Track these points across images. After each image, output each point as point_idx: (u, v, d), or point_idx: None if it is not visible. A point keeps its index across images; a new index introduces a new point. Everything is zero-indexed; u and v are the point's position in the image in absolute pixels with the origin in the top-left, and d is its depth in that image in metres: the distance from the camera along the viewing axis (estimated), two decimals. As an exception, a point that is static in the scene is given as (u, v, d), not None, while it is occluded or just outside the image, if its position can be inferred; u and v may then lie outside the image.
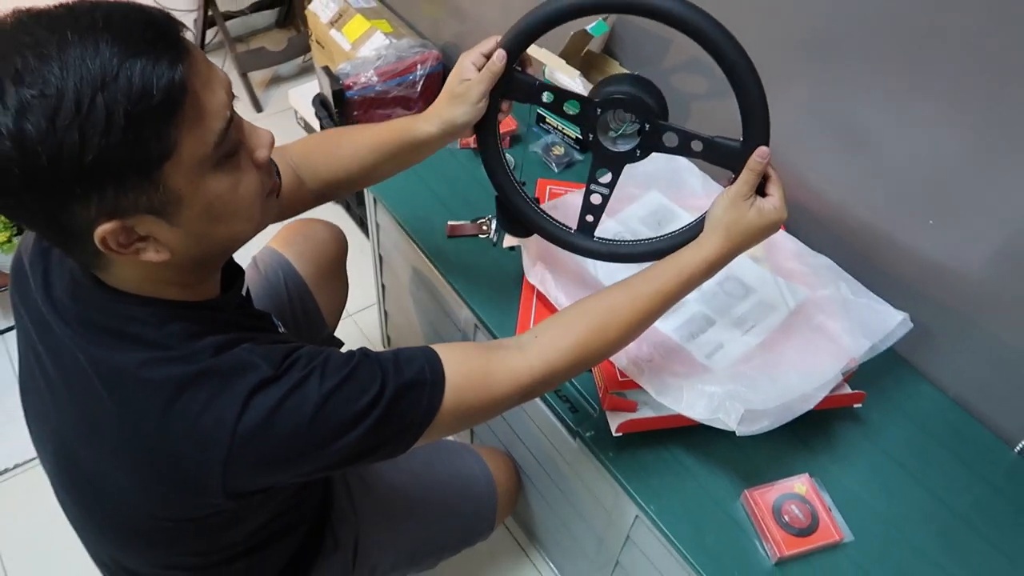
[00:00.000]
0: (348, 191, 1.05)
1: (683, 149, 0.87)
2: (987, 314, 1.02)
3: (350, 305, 1.49)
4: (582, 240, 0.98)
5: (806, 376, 0.94)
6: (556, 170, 1.37)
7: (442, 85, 0.93)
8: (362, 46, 2.04)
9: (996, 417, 1.06)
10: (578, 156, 1.40)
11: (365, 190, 1.39)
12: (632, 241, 0.96)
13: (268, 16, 2.77)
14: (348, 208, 2.17)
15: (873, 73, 1.02)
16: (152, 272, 0.68)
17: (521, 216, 1.01)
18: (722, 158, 0.86)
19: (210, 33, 2.61)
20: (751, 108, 0.82)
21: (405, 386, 0.73)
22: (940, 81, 0.95)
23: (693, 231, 0.89)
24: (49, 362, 0.74)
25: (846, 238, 1.16)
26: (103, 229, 0.60)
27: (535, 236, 1.10)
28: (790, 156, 1.19)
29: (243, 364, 0.68)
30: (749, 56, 0.81)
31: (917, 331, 1.05)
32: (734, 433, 0.88)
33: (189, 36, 0.62)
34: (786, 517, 0.93)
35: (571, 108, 0.90)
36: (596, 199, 0.95)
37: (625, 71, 1.42)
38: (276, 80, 2.60)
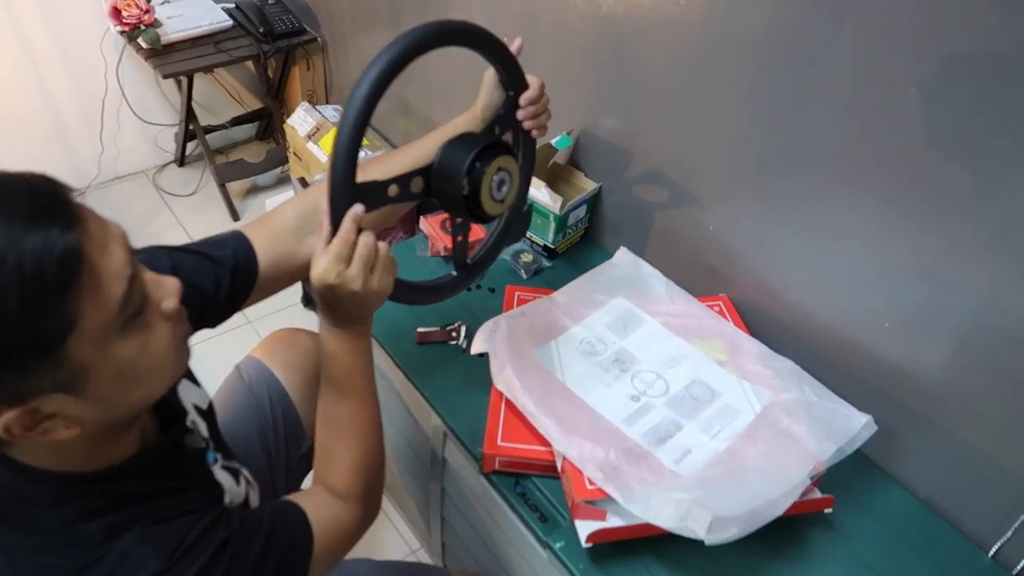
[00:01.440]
0: (294, 272, 0.98)
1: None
2: (947, 416, 1.04)
3: (320, 413, 1.47)
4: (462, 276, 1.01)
5: (774, 481, 0.94)
6: (524, 276, 1.40)
7: None
8: (338, 158, 2.10)
9: (967, 519, 1.06)
10: (546, 263, 1.43)
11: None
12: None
13: (248, 130, 2.85)
14: (321, 314, 2.18)
15: (820, 182, 1.07)
16: (59, 445, 0.62)
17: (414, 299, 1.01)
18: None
19: (190, 145, 2.67)
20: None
21: (285, 553, 0.77)
22: (883, 188, 1.00)
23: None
24: None
25: (807, 340, 1.19)
26: (6, 418, 0.56)
27: (502, 340, 1.11)
28: (747, 259, 1.23)
29: (129, 561, 0.64)
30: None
31: (883, 433, 1.06)
32: (706, 544, 0.87)
33: (77, 198, 0.59)
34: (762, 630, 0.91)
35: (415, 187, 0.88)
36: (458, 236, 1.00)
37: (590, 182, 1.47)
38: (254, 190, 2.65)
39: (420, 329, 1.28)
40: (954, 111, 0.89)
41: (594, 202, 1.48)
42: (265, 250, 0.93)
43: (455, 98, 1.82)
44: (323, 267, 0.78)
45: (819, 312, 1.16)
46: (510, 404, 1.10)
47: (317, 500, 0.87)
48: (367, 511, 0.91)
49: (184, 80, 2.27)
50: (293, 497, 0.85)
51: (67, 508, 0.64)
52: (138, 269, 0.62)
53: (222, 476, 0.87)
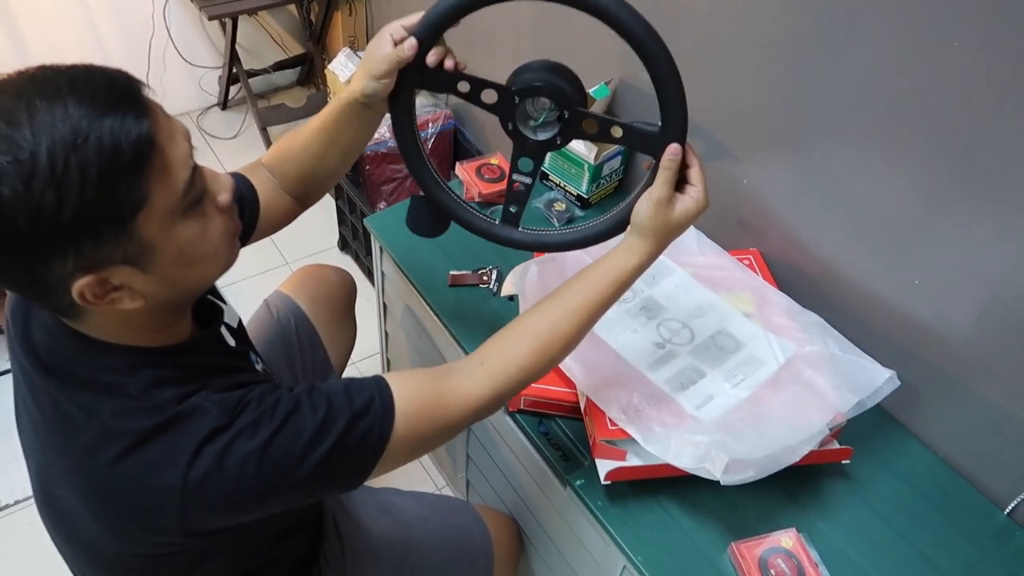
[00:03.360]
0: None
1: (603, 136, 0.87)
2: (973, 375, 1.04)
3: (354, 353, 1.52)
4: (507, 231, 0.97)
5: (793, 429, 0.96)
6: (558, 225, 1.42)
7: (452, 143, 0.97)
8: (377, 104, 2.12)
9: (985, 478, 1.07)
10: (579, 212, 1.45)
11: (372, 238, 1.44)
12: (558, 229, 0.96)
13: (290, 75, 2.87)
14: (357, 258, 2.22)
15: (857, 138, 1.06)
16: (125, 319, 0.70)
17: (441, 205, 0.98)
18: (641, 144, 0.85)
19: (233, 89, 2.71)
20: (667, 99, 0.81)
21: (355, 416, 0.75)
22: (919, 148, 0.99)
23: (618, 220, 0.89)
24: (32, 405, 0.77)
25: (835, 296, 1.19)
26: (80, 283, 0.62)
27: (532, 285, 1.13)
28: (780, 214, 1.23)
29: (198, 414, 0.70)
30: (666, 45, 0.80)
31: (906, 390, 1.06)
32: (721, 484, 0.89)
33: (149, 94, 0.64)
34: (772, 571, 0.94)
35: (489, 97, 0.89)
36: (519, 187, 0.94)
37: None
38: (294, 135, 2.69)
39: (453, 272, 1.31)
40: (996, 69, 0.87)
41: (629, 153, 1.49)
42: (283, 177, 1.01)
43: (496, 46, 1.81)
44: (703, 201, 0.85)
45: (848, 268, 1.16)
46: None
47: (427, 374, 0.84)
48: (490, 402, 0.84)
49: (228, 22, 2.29)
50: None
51: (143, 375, 0.70)
52: (198, 164, 0.69)
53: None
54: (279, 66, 2.75)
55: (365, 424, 0.75)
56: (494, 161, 1.50)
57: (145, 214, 0.62)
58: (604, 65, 1.47)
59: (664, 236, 0.86)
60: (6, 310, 0.81)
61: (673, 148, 0.83)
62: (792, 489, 1.03)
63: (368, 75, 0.87)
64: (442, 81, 0.88)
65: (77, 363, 0.71)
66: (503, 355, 0.86)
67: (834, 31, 1.03)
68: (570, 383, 1.07)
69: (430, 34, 0.84)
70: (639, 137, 0.85)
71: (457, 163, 1.49)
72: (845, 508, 1.03)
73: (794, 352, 1.08)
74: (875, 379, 1.03)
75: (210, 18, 2.15)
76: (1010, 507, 1.04)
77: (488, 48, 1.85)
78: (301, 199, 1.04)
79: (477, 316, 1.25)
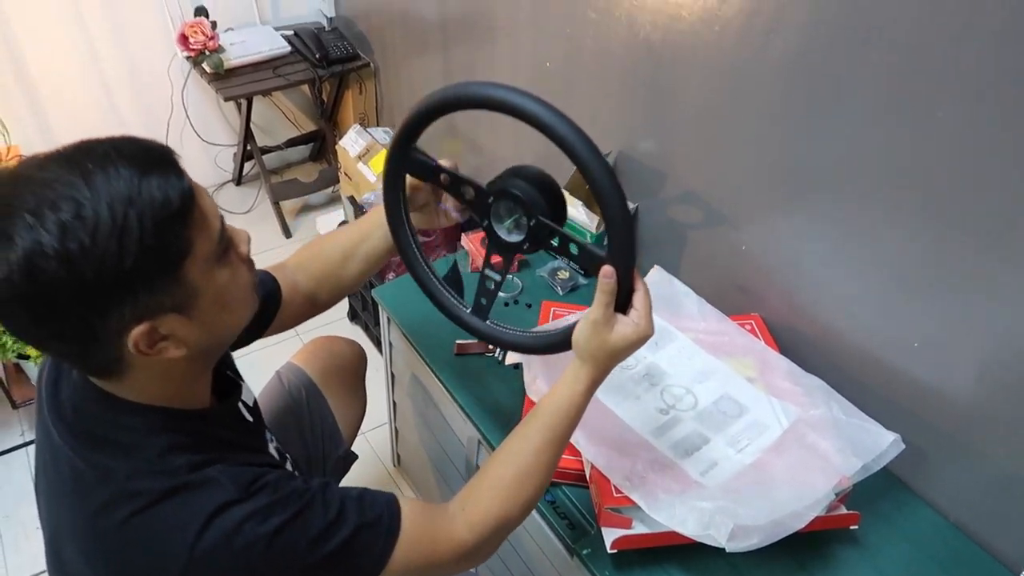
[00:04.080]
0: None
1: (563, 250, 0.88)
2: (978, 437, 1.04)
3: (363, 423, 1.53)
4: (474, 321, 0.99)
5: (798, 494, 0.96)
6: (561, 293, 1.44)
7: None
8: (386, 178, 2.18)
9: (997, 542, 1.05)
10: (583, 280, 1.47)
11: (380, 308, 1.46)
12: (520, 331, 0.96)
13: (302, 151, 2.97)
14: (366, 328, 2.25)
15: (851, 202, 1.09)
16: (163, 373, 0.74)
17: (419, 282, 1.02)
18: (591, 264, 0.85)
19: (247, 165, 2.80)
20: (610, 224, 0.80)
21: (363, 526, 0.79)
22: (913, 211, 1.02)
23: (565, 333, 0.89)
24: (51, 467, 0.80)
25: (837, 359, 1.20)
26: (136, 332, 0.67)
27: (537, 356, 1.15)
28: (779, 279, 1.26)
29: (210, 485, 0.73)
30: (612, 170, 0.80)
31: (912, 453, 1.06)
32: (728, 552, 0.89)
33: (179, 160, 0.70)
34: (783, 641, 0.92)
35: (467, 193, 0.93)
36: (489, 284, 0.96)
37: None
38: (306, 209, 2.76)
39: (459, 341, 1.33)
40: (982, 130, 0.90)
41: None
42: (308, 277, 1.09)
43: (499, 121, 1.88)
44: (643, 327, 0.83)
45: (849, 332, 1.17)
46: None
47: (427, 509, 0.87)
48: (475, 551, 0.87)
49: (244, 103, 2.38)
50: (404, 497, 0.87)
51: (161, 439, 0.74)
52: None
53: (277, 456, 0.94)
54: (292, 143, 2.84)
55: (370, 537, 0.79)
56: (499, 232, 1.53)
57: (190, 261, 0.68)
58: (603, 138, 1.51)
59: (603, 360, 0.85)
60: (39, 376, 0.85)
61: (606, 269, 0.82)
62: (801, 556, 1.02)
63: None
64: (426, 170, 0.95)
65: (100, 422, 0.75)
66: (478, 506, 0.88)
67: (822, 100, 1.07)
68: (575, 451, 1.08)
69: (413, 127, 0.91)
70: (590, 257, 0.85)
71: (463, 234, 1.53)
72: (855, 575, 1.02)
73: (797, 416, 1.09)
74: (879, 442, 1.03)
75: (226, 99, 2.24)
76: (1024, 572, 1.02)
77: (491, 124, 1.92)
78: (317, 300, 1.10)
79: (483, 384, 1.27)
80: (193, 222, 0.68)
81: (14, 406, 1.87)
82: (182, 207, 0.66)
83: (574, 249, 0.87)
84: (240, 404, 0.89)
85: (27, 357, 1.77)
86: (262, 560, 0.72)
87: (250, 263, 0.80)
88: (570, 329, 0.88)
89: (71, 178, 0.62)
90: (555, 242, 0.88)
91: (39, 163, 0.64)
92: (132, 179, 0.63)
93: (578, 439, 1.04)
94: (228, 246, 0.75)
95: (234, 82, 2.28)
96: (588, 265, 0.86)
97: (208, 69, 2.26)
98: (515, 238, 0.92)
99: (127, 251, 0.62)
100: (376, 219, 1.05)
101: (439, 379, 1.29)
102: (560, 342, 0.91)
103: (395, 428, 1.76)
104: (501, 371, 1.29)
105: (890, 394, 1.13)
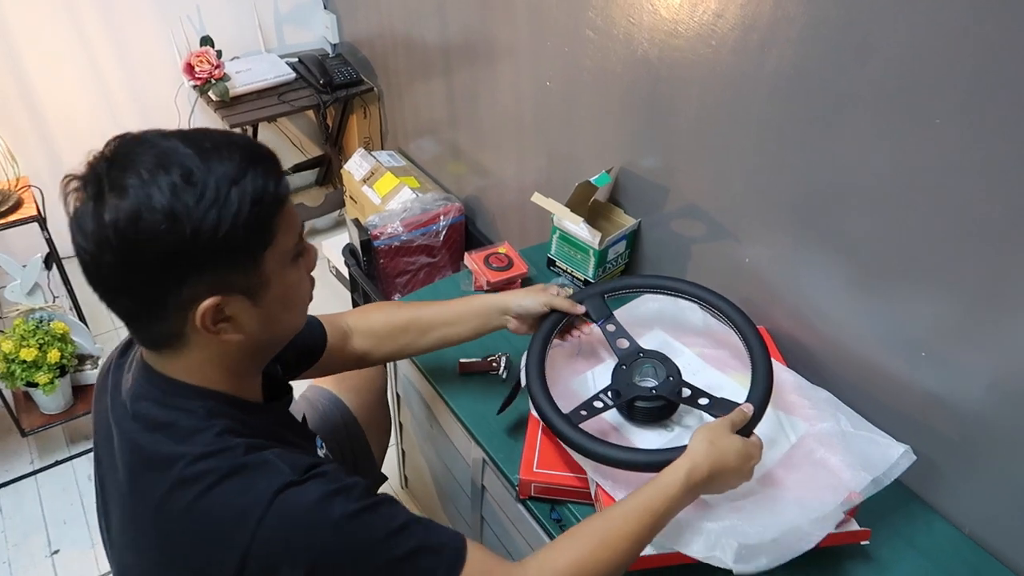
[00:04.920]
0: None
1: (691, 402, 1.05)
2: (989, 447, 1.02)
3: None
4: (566, 428, 1.01)
5: (806, 510, 0.94)
6: (565, 310, 1.44)
7: (464, 235, 1.06)
8: (391, 200, 2.20)
9: (1013, 554, 1.03)
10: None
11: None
12: (611, 444, 0.98)
13: (308, 176, 2.98)
14: (374, 351, 2.24)
15: (852, 212, 1.09)
16: (217, 355, 0.77)
17: (541, 414, 1.05)
18: (722, 411, 0.99)
19: (254, 191, 2.81)
20: (757, 378, 1.02)
21: (426, 547, 0.77)
22: (915, 220, 1.01)
23: (672, 453, 0.93)
24: (117, 461, 0.80)
25: (844, 371, 1.18)
26: (206, 304, 0.71)
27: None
28: (784, 292, 1.25)
29: (269, 466, 0.74)
30: (763, 341, 1.05)
31: (923, 464, 1.05)
32: (735, 574, 0.87)
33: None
34: (796, 660, 0.90)
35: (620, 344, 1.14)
36: (599, 405, 1.06)
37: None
38: (312, 233, 2.77)
39: (463, 360, 1.33)
40: (983, 138, 0.90)
41: (633, 237, 1.52)
42: (368, 334, 1.15)
43: (502, 141, 1.89)
44: (757, 445, 0.94)
45: (855, 342, 1.16)
46: (547, 431, 1.13)
47: (498, 557, 0.84)
48: None
49: (249, 129, 2.41)
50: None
51: (219, 422, 0.76)
52: None
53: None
54: (297, 168, 2.86)
55: (431, 562, 0.77)
56: (501, 250, 1.54)
57: (271, 250, 0.73)
58: (604, 155, 1.52)
59: (716, 452, 0.90)
60: (99, 373, 0.89)
61: (748, 405, 0.98)
62: (811, 573, 1.00)
63: (530, 299, 1.12)
64: (602, 314, 1.16)
65: (162, 406, 0.77)
66: (552, 555, 0.85)
67: (820, 113, 1.07)
68: (580, 468, 1.06)
69: (596, 307, 1.16)
70: (723, 406, 1.01)
71: (466, 253, 1.53)
72: (869, 591, 1.00)
73: (805, 431, 1.07)
74: (889, 455, 1.01)
75: (232, 127, 2.26)
76: (1043, 586, 1.00)
77: (495, 142, 1.93)
78: (369, 358, 1.15)
79: (488, 403, 1.25)
80: (281, 216, 0.73)
81: (23, 434, 1.88)
82: (276, 199, 0.72)
83: (704, 401, 1.04)
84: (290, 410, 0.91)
85: (36, 385, 1.77)
86: (320, 551, 0.72)
87: (313, 280, 0.85)
88: (682, 447, 0.93)
89: (189, 151, 0.69)
90: (686, 393, 1.05)
91: (163, 134, 0.72)
92: (240, 164, 0.70)
93: (582, 458, 1.03)
94: (302, 252, 0.79)
95: (239, 109, 2.30)
96: (720, 411, 1.00)
97: (214, 97, 2.29)
98: (647, 383, 1.08)
99: (223, 222, 0.68)
100: (476, 309, 1.14)
101: (443, 399, 1.28)
102: (670, 456, 0.93)
103: (402, 449, 1.75)
104: (505, 389, 1.28)
105: (900, 405, 1.11)
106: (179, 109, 2.50)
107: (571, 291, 1.18)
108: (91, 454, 0.89)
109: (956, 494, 1.09)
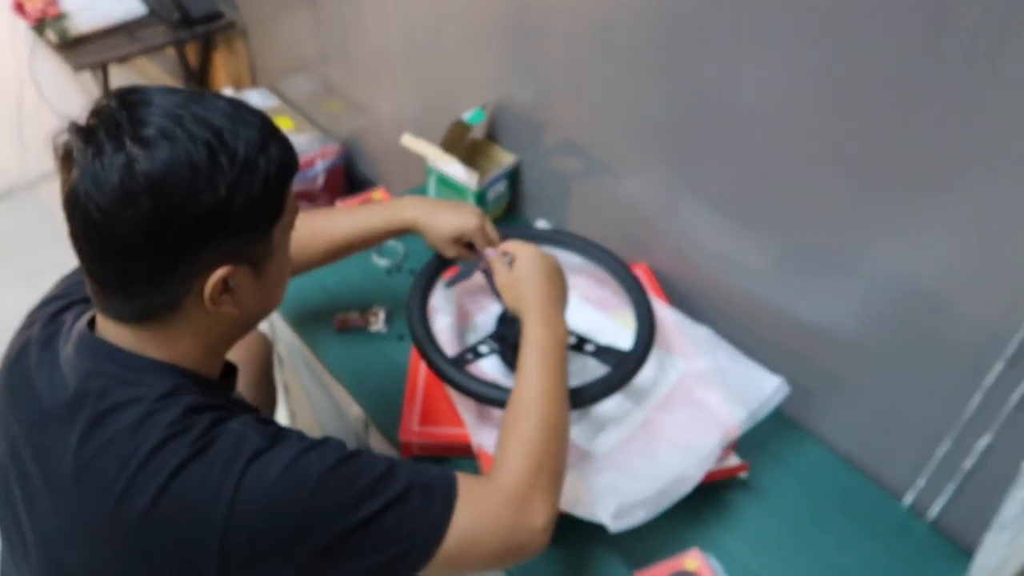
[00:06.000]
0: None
1: (578, 348, 1.05)
2: (858, 370, 1.05)
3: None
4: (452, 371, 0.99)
5: (686, 452, 0.94)
6: (446, 257, 1.38)
7: (344, 179, 1.03)
8: (264, 144, 2.05)
9: (884, 471, 1.07)
10: (468, 241, 1.42)
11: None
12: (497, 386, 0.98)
13: (177, 119, 2.78)
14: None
15: (725, 143, 1.07)
16: (201, 331, 0.73)
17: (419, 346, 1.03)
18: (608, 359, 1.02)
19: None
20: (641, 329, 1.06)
21: (416, 485, 0.73)
22: (787, 146, 0.99)
23: None
24: (36, 470, 0.73)
25: (723, 305, 1.19)
26: (219, 274, 0.68)
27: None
28: (662, 225, 1.23)
29: (235, 436, 0.69)
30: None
31: (800, 391, 1.06)
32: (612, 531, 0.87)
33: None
34: (679, 597, 0.91)
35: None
36: (484, 350, 1.05)
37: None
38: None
39: (340, 315, 1.26)
40: (855, 63, 0.88)
41: (514, 176, 1.46)
42: None
43: (375, 76, 1.78)
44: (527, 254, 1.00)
45: (731, 275, 1.16)
46: (428, 385, 1.09)
47: (477, 479, 0.80)
48: (527, 502, 0.79)
49: (99, 72, 2.19)
50: None
51: (184, 399, 0.71)
52: None
53: None
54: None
55: (424, 498, 0.73)
56: (376, 196, 1.46)
57: (280, 222, 0.73)
58: (478, 90, 1.44)
59: (535, 293, 0.96)
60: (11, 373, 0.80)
61: (488, 251, 1.06)
62: (695, 506, 1.01)
63: (445, 226, 1.08)
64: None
65: (123, 384, 0.71)
66: (509, 455, 0.82)
67: (690, 42, 1.03)
68: (460, 422, 1.03)
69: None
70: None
71: (338, 201, 1.44)
72: (748, 519, 1.02)
73: (685, 369, 1.07)
74: (764, 388, 1.02)
75: (76, 69, 2.05)
76: (909, 498, 1.04)
77: (368, 76, 1.82)
78: None
79: (367, 360, 1.20)
80: (290, 190, 0.73)
81: None
82: (291, 173, 0.72)
83: (590, 347, 1.04)
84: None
85: None
86: (306, 507, 0.68)
87: None
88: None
89: (212, 109, 0.67)
90: (571, 341, 1.03)
91: (214, 93, 0.70)
92: (263, 130, 0.69)
93: (460, 410, 1.00)
94: (293, 226, 0.78)
95: (84, 50, 2.08)
96: (606, 359, 1.03)
97: (53, 38, 2.06)
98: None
99: (254, 187, 0.67)
100: (404, 226, 1.10)
101: (319, 358, 1.22)
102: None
103: (291, 410, 1.68)
104: (383, 344, 1.23)
105: (776, 336, 1.13)
106: (17, 51, 2.25)
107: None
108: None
109: (829, 417, 1.11)
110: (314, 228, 1.08)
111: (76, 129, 0.64)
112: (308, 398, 1.47)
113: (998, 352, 0.86)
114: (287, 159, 0.71)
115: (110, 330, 0.73)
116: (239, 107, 0.69)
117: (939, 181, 0.86)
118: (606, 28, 1.13)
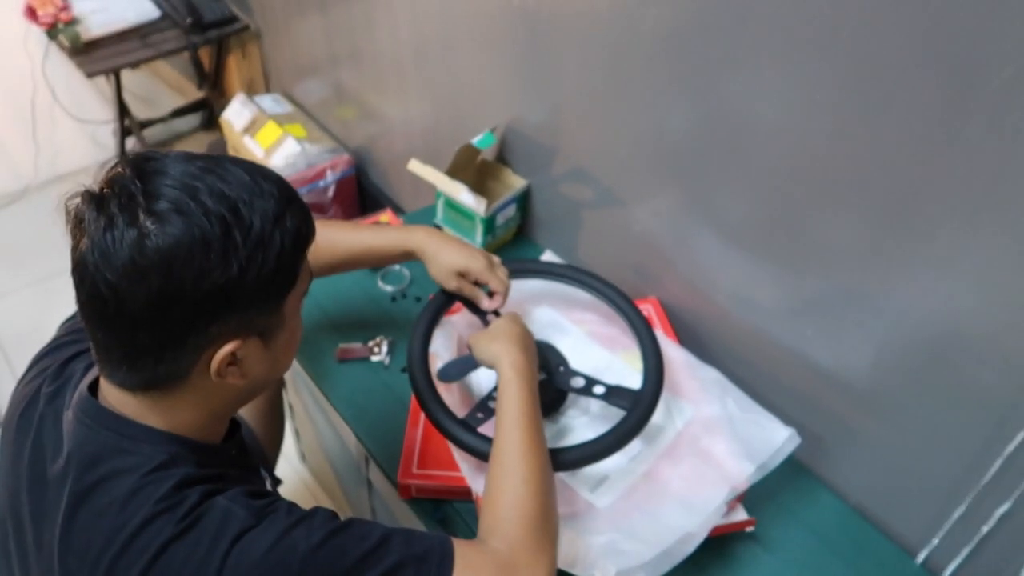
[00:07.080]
0: None
1: (586, 391, 1.01)
2: (874, 420, 1.01)
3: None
4: (464, 434, 0.94)
5: (690, 509, 0.91)
6: (452, 283, 1.35)
7: (355, 190, 0.98)
8: (275, 153, 2.04)
9: (896, 526, 1.03)
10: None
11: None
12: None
13: (191, 120, 2.76)
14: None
15: (739, 178, 1.03)
16: (205, 399, 0.72)
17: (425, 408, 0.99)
18: (618, 400, 0.98)
19: (130, 141, 2.59)
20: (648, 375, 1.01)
21: (410, 557, 0.70)
22: (803, 192, 0.95)
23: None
24: (32, 529, 0.72)
25: (735, 345, 1.15)
26: (227, 348, 0.67)
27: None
28: (674, 259, 1.19)
29: (221, 514, 0.67)
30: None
31: (812, 439, 1.03)
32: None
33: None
34: (681, 657, 0.89)
35: None
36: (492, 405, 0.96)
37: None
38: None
39: (342, 346, 1.24)
40: (875, 104, 0.84)
41: (524, 200, 1.43)
42: None
43: (387, 83, 1.74)
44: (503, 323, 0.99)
45: (745, 314, 1.12)
46: (428, 428, 1.07)
47: (472, 544, 0.77)
48: (525, 564, 0.77)
49: (112, 77, 2.18)
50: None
51: (178, 471, 0.69)
52: None
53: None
54: (178, 112, 2.64)
55: (417, 572, 0.70)
56: (384, 219, 1.43)
57: (292, 294, 0.71)
58: (489, 107, 1.41)
59: (506, 348, 0.93)
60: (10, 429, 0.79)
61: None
62: (699, 558, 0.97)
63: (445, 272, 1.06)
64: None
65: (117, 451, 0.69)
66: (498, 518, 0.80)
67: (704, 71, 0.99)
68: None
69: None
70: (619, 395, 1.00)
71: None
72: (755, 573, 0.99)
73: (692, 415, 1.03)
74: (774, 439, 0.98)
75: (88, 75, 2.04)
76: (922, 555, 1.00)
77: (380, 85, 1.79)
78: None
79: (369, 393, 1.18)
80: (304, 260, 0.72)
81: None
82: (306, 244, 0.71)
83: (599, 389, 1.00)
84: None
85: None
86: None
87: None
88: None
89: (227, 181, 0.65)
90: (579, 383, 1.02)
91: (231, 159, 0.68)
92: (279, 202, 0.67)
93: (460, 463, 0.97)
94: (307, 292, 0.77)
95: (96, 55, 2.07)
96: (617, 400, 0.99)
97: (65, 43, 2.05)
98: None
99: (267, 262, 0.65)
100: (408, 253, 1.08)
101: (321, 390, 1.20)
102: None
103: (295, 427, 1.67)
104: (386, 377, 1.21)
105: (789, 380, 1.09)
106: (30, 54, 2.24)
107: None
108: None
109: (842, 467, 1.08)
110: (319, 239, 1.04)
111: (89, 197, 0.63)
112: (312, 422, 1.45)
113: (1023, 420, 0.82)
114: (304, 230, 0.70)
115: (113, 395, 0.71)
116: (257, 174, 0.68)
117: (968, 222, 0.81)
118: (620, 52, 1.09)
